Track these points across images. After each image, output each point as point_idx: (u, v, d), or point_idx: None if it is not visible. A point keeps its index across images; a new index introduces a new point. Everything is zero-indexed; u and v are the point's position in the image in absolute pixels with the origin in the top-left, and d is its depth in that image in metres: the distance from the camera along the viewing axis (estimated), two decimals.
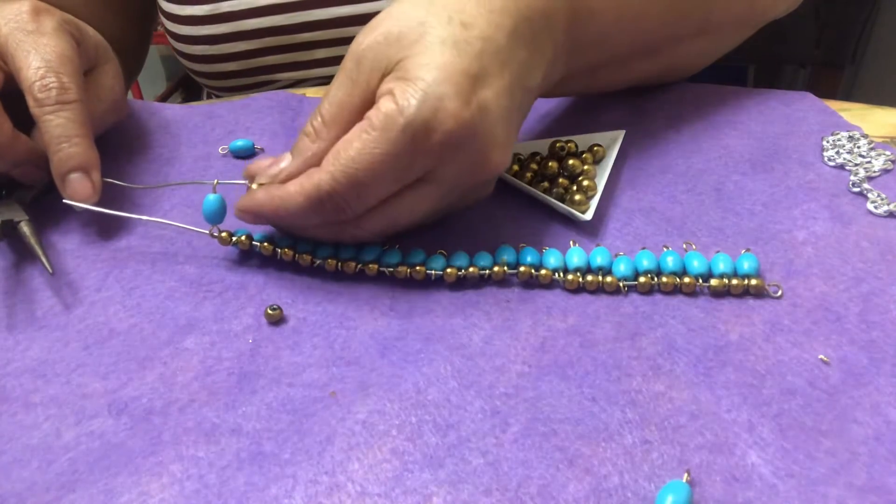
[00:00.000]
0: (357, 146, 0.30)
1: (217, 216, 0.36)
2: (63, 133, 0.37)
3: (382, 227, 0.34)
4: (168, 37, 0.64)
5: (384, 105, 0.30)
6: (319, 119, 0.33)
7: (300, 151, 0.33)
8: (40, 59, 0.37)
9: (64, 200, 0.37)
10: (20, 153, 0.38)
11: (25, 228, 0.37)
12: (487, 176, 0.33)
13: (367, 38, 0.32)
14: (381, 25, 0.32)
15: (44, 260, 0.35)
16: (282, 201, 0.32)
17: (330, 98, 0.33)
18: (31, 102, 0.37)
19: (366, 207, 0.32)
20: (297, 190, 0.32)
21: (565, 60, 0.38)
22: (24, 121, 0.38)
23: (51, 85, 0.37)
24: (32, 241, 0.36)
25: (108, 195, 0.39)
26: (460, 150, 0.31)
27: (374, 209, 0.33)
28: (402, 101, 0.30)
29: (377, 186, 0.31)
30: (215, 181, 0.36)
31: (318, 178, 0.31)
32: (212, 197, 0.36)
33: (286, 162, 0.34)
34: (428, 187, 0.32)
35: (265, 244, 0.36)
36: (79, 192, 0.37)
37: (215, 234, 0.37)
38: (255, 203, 0.33)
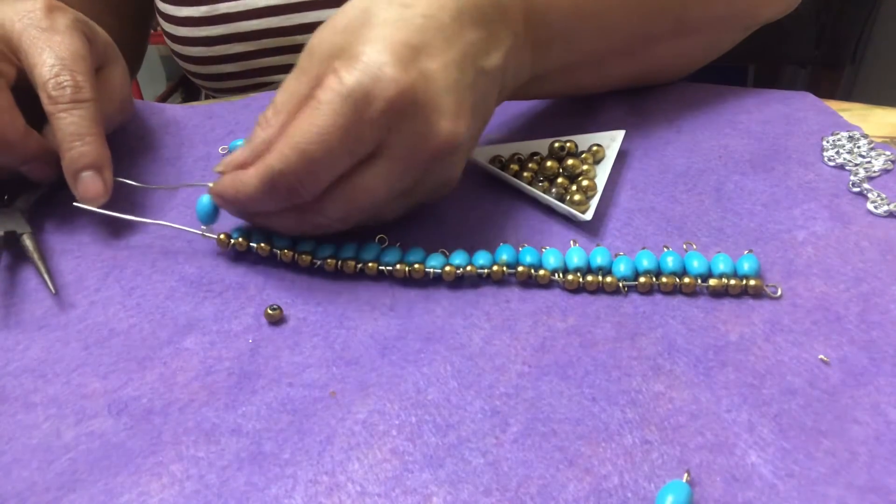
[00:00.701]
0: (303, 121, 0.31)
1: (209, 217, 0.37)
2: (76, 131, 0.37)
3: (343, 211, 0.33)
4: (165, 38, 0.64)
5: (327, 81, 0.31)
6: (271, 110, 0.33)
7: (251, 140, 0.34)
8: (54, 57, 0.37)
9: (75, 203, 0.37)
10: (31, 149, 0.38)
11: (28, 242, 0.37)
12: (439, 146, 0.32)
13: (318, 33, 0.34)
14: (331, 20, 0.34)
15: (46, 278, 0.35)
16: (241, 184, 0.33)
17: (282, 89, 0.34)
18: (44, 100, 0.37)
19: (319, 186, 0.32)
20: (252, 173, 0.32)
21: (531, 55, 0.38)
22: (34, 117, 0.38)
23: (65, 83, 0.37)
24: (35, 256, 0.36)
25: (111, 195, 0.39)
26: (405, 118, 0.31)
27: (332, 191, 0.32)
28: (344, 73, 0.30)
29: (327, 161, 0.31)
30: (210, 184, 0.36)
31: (270, 157, 0.31)
32: (206, 198, 0.36)
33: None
34: (380, 161, 0.32)
35: (262, 245, 0.36)
36: (90, 191, 0.37)
37: (209, 234, 0.37)
38: (220, 187, 0.34)
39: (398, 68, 0.30)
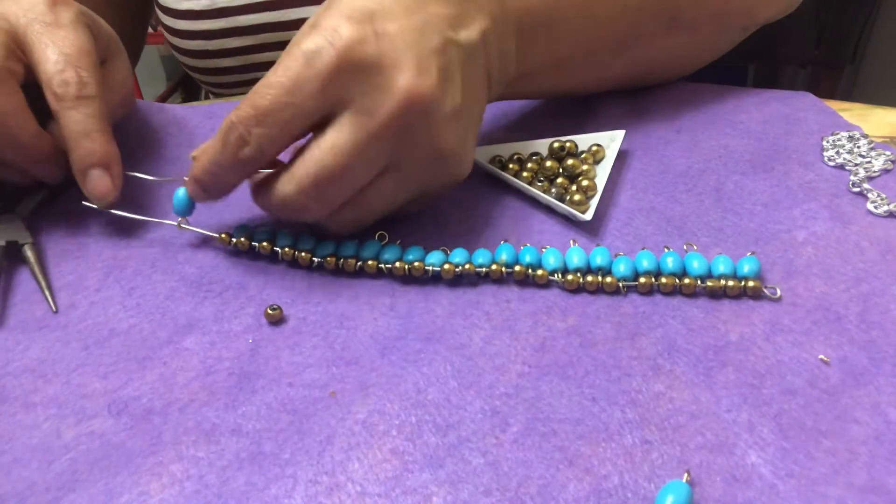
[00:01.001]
0: (261, 81, 0.32)
1: (184, 209, 0.37)
2: (83, 129, 0.36)
3: (313, 176, 0.32)
4: (164, 32, 0.64)
5: (288, 48, 0.32)
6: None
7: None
8: (58, 53, 0.36)
9: (84, 203, 0.38)
10: (43, 151, 0.38)
11: (30, 254, 0.37)
12: (402, 102, 0.31)
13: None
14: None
15: (47, 294, 0.35)
16: (204, 152, 0.34)
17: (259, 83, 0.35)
18: (49, 97, 0.36)
19: (271, 141, 0.32)
20: (214, 136, 0.33)
21: (516, 43, 0.38)
22: (41, 113, 0.37)
23: (70, 80, 0.36)
24: (36, 269, 0.36)
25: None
26: (360, 73, 0.31)
27: (298, 156, 0.32)
28: (302, 40, 0.31)
29: (276, 114, 0.31)
30: (185, 178, 0.37)
31: (229, 115, 0.32)
32: (182, 190, 0.37)
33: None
34: (342, 121, 0.32)
35: (264, 244, 0.36)
36: (99, 188, 0.37)
37: (185, 226, 0.38)
38: (192, 170, 0.35)
39: (353, 28, 0.31)
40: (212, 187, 0.35)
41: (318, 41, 0.31)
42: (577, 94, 0.48)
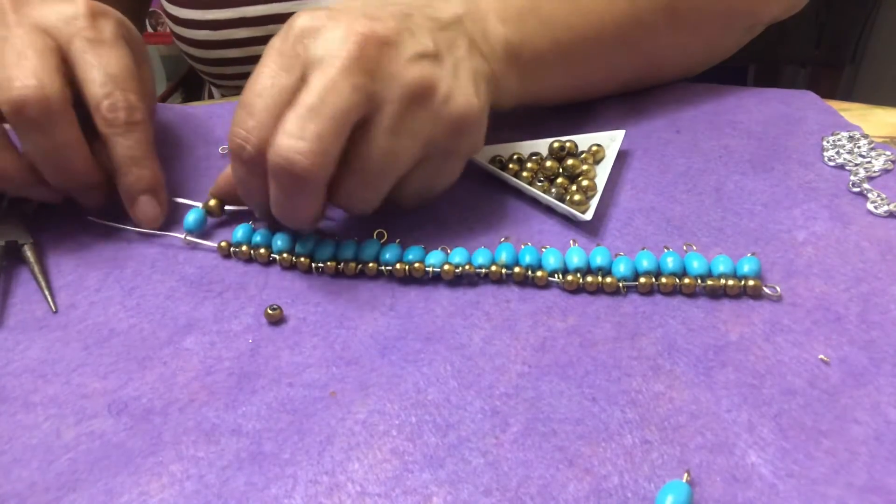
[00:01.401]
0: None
1: (195, 228, 0.39)
2: (132, 155, 0.36)
3: (298, 115, 0.31)
4: (168, 21, 0.64)
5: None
6: None
7: None
8: (104, 75, 0.36)
9: (90, 217, 0.39)
10: (96, 179, 0.37)
11: (29, 254, 0.37)
12: (359, 40, 0.32)
13: None
14: None
15: (46, 294, 0.35)
16: (220, 184, 0.39)
17: None
18: (98, 121, 0.36)
19: (265, 126, 0.32)
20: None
21: (504, 28, 0.39)
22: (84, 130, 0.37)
23: (119, 105, 0.36)
24: (36, 269, 0.36)
25: (110, 197, 0.39)
26: (316, 33, 0.33)
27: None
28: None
29: (260, 99, 0.32)
30: (199, 204, 0.39)
31: None
32: (192, 214, 0.38)
33: None
34: (313, 73, 0.32)
35: (262, 251, 0.36)
36: (148, 214, 0.38)
37: (190, 238, 0.38)
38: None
39: (305, 13, 0.33)
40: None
41: (280, 32, 0.34)
42: (591, 91, 0.48)
